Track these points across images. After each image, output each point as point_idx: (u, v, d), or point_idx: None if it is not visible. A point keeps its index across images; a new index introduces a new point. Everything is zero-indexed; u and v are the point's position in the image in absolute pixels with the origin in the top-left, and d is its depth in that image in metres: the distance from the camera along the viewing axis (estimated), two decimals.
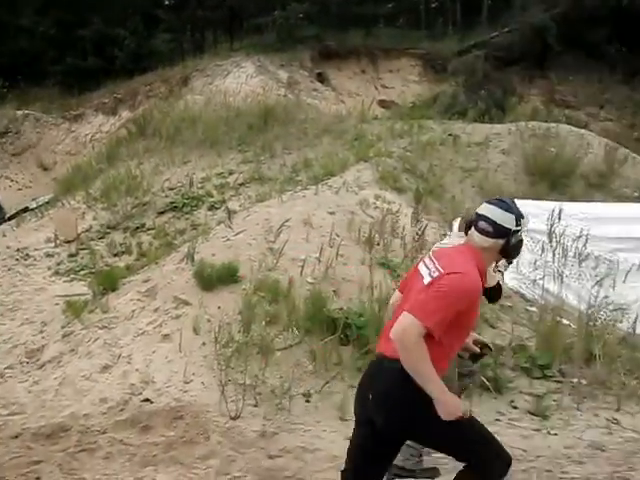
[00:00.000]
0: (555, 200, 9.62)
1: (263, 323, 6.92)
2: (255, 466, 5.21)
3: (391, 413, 3.46)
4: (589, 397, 6.37)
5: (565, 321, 7.52)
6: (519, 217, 3.60)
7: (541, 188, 11.24)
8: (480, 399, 6.26)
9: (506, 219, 3.55)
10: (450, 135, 13.56)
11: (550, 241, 7.37)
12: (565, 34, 26.43)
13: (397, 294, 3.92)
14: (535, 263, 7.89)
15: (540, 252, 7.55)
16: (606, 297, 7.41)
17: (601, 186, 11.65)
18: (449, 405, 3.39)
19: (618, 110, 25.46)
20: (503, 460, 3.60)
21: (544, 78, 26.54)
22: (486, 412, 6.10)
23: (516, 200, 9.39)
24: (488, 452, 3.58)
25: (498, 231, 3.54)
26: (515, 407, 6.27)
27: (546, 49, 26.55)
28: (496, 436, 5.64)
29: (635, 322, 7.31)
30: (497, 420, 6.05)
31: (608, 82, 26.73)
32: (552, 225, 7.33)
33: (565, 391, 6.41)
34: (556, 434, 5.75)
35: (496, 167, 12.17)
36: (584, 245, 7.50)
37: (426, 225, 7.84)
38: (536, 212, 8.30)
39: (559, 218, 7.37)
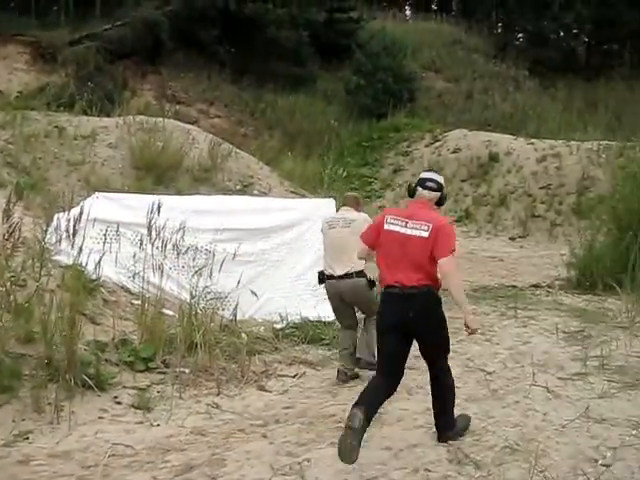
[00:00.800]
0: (162, 193, 9.73)
1: None
2: None
3: (429, 322, 5.17)
4: (192, 385, 6.52)
5: (169, 312, 7.62)
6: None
7: (147, 182, 11.32)
8: (82, 398, 6.07)
9: (440, 178, 5.48)
10: (56, 127, 13.06)
11: (150, 234, 7.40)
12: (177, 31, 26.99)
13: (364, 246, 5.56)
14: (134, 256, 7.89)
15: (141, 245, 7.55)
16: (206, 287, 7.64)
17: (206, 180, 12.04)
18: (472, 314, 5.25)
19: (227, 107, 26.63)
20: None
21: (156, 74, 26.85)
22: (89, 411, 5.95)
23: (119, 194, 9.33)
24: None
25: (438, 187, 5.37)
26: (119, 403, 6.17)
27: (159, 45, 26.86)
28: (100, 434, 5.58)
29: (235, 309, 7.64)
30: (100, 418, 5.91)
31: (218, 80, 27.81)
32: (152, 218, 7.36)
33: (169, 381, 6.48)
34: (159, 425, 5.77)
35: (103, 161, 12.01)
36: (182, 237, 7.68)
37: (20, 221, 7.42)
38: (137, 206, 8.31)
39: (159, 211, 7.42)
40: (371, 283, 6.87)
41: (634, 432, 5.19)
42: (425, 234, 5.03)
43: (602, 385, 6.28)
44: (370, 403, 5.00)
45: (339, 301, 7.07)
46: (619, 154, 19.33)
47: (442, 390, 5.32)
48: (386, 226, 5.24)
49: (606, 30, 37.69)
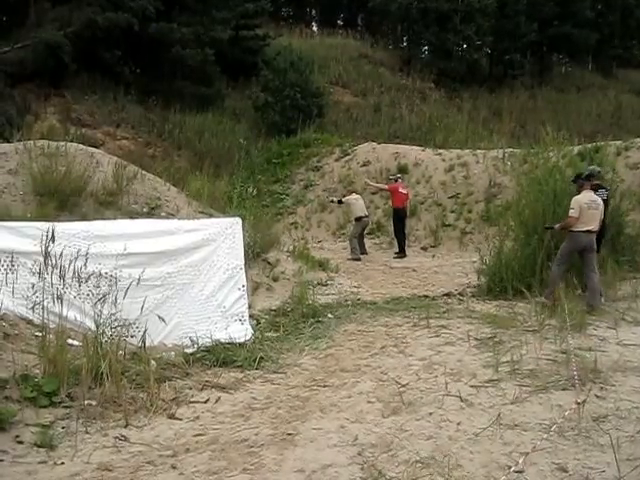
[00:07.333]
0: (66, 219, 9.41)
1: None
2: None
3: None
4: (99, 417, 6.23)
5: (74, 342, 7.32)
6: None
7: (50, 208, 10.88)
8: None
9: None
10: None
11: (49, 262, 7.09)
12: (80, 53, 26.43)
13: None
14: (34, 287, 7.55)
15: (40, 274, 7.23)
16: (112, 314, 7.38)
17: (111, 203, 11.65)
18: None
19: (134, 129, 26.18)
20: None
21: (60, 96, 26.21)
22: None
23: (17, 223, 8.92)
24: None
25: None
26: (21, 442, 5.83)
27: (61, 67, 26.24)
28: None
29: (143, 336, 7.41)
30: (0, 460, 5.60)
31: (124, 102, 27.34)
32: (49, 246, 7.05)
33: (74, 415, 6.19)
34: (63, 463, 5.49)
35: (3, 188, 11.48)
36: (85, 264, 7.39)
37: None
38: (36, 234, 7.98)
39: (53, 239, 7.11)
40: None
41: (545, 436, 5.21)
42: None
43: (514, 390, 6.33)
44: None
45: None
46: (523, 161, 19.82)
47: None
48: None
49: (507, 41, 38.82)
